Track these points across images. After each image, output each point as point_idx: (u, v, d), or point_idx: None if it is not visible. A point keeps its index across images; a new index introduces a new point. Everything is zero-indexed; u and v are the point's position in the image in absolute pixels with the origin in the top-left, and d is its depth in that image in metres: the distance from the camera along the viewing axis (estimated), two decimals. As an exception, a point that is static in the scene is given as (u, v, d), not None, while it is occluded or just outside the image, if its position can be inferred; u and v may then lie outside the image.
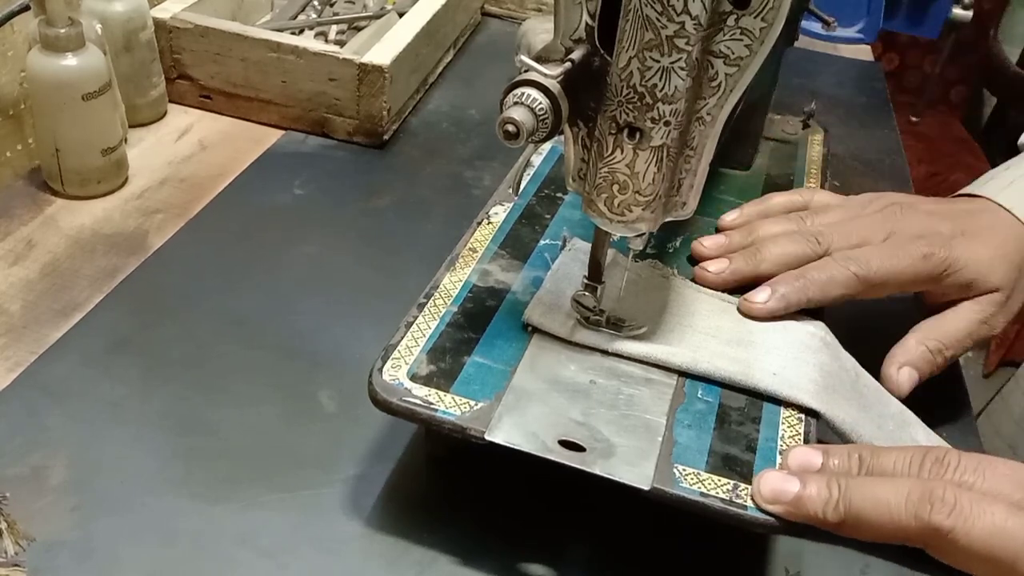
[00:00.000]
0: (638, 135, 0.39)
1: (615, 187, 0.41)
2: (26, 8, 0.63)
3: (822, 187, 0.64)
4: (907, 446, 0.41)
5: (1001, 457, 0.39)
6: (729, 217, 0.57)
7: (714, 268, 0.52)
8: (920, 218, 0.53)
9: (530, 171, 0.60)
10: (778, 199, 0.58)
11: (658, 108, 0.38)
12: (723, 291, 0.51)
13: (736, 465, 0.41)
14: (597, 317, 0.47)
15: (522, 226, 0.55)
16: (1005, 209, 0.55)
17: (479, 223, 0.55)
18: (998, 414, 0.80)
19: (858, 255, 0.51)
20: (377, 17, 0.86)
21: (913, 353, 0.51)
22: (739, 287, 0.51)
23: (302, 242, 0.63)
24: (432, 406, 0.42)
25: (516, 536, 0.45)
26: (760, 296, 0.50)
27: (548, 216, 0.56)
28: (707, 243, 0.54)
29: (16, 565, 0.41)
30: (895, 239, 0.52)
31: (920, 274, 0.51)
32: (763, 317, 0.49)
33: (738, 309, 0.50)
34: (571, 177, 0.43)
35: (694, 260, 0.54)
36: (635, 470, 0.40)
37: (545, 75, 0.38)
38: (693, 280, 0.52)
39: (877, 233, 0.52)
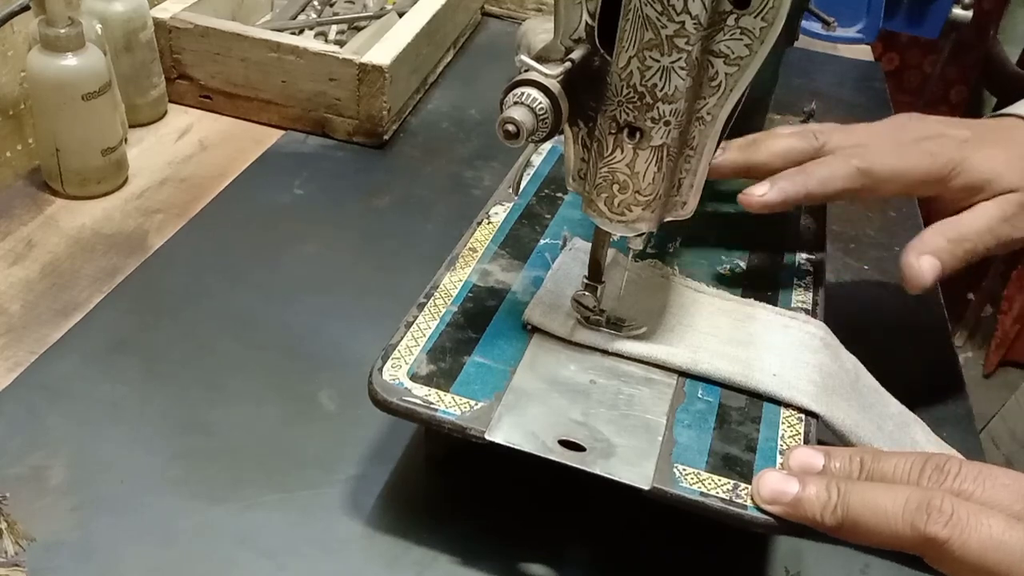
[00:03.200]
0: (638, 135, 0.39)
1: (615, 187, 0.41)
2: (26, 8, 0.63)
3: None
4: (910, 452, 0.41)
5: (1014, 460, 0.39)
6: (738, 141, 0.55)
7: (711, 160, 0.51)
8: (931, 124, 0.51)
9: (530, 171, 0.60)
10: (787, 129, 0.56)
11: (658, 108, 0.38)
12: (718, 177, 0.51)
13: (736, 465, 0.41)
14: (597, 317, 0.47)
15: (522, 226, 0.55)
16: None
17: (479, 223, 0.55)
18: (1013, 417, 0.79)
19: (861, 151, 0.49)
20: (377, 17, 0.86)
21: (931, 243, 0.47)
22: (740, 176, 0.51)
23: (302, 242, 0.63)
24: (432, 406, 0.42)
25: (516, 536, 0.45)
26: (759, 189, 0.49)
27: (548, 216, 0.56)
28: None
29: (16, 565, 0.41)
30: (900, 139, 0.50)
31: (926, 173, 0.48)
32: (761, 210, 0.48)
33: (737, 200, 0.49)
34: (571, 177, 0.43)
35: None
36: (635, 470, 0.40)
37: (545, 75, 0.38)
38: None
39: (882, 135, 0.50)
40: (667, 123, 0.39)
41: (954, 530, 0.35)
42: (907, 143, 0.49)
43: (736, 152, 0.51)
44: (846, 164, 0.48)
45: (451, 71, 0.89)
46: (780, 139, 0.51)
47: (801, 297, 0.52)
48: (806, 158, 0.50)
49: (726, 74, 0.38)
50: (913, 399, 0.50)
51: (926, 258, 0.47)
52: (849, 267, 0.66)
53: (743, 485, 0.40)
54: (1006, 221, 0.49)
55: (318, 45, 0.73)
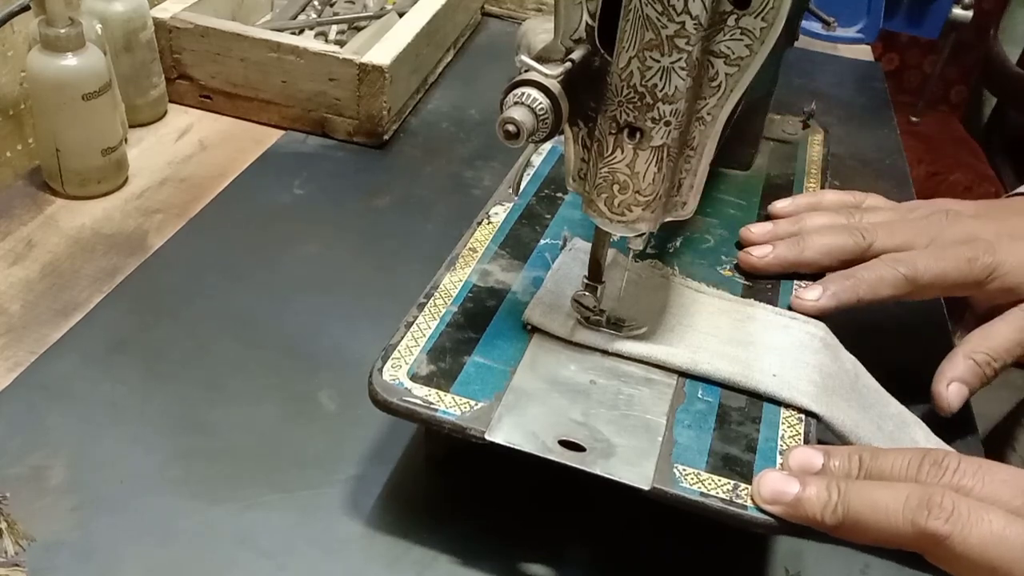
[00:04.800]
0: (638, 135, 0.39)
1: (615, 187, 0.41)
2: (26, 8, 0.63)
3: (822, 187, 0.64)
4: (907, 448, 0.41)
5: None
6: (780, 204, 0.58)
7: (758, 253, 0.53)
8: (965, 223, 0.54)
9: (530, 171, 0.60)
10: (831, 196, 0.59)
11: (658, 108, 0.38)
12: (767, 276, 0.53)
13: (736, 465, 0.41)
14: (597, 317, 0.47)
15: (522, 226, 0.55)
16: None
17: (479, 223, 0.55)
18: None
19: (905, 257, 0.51)
20: (377, 17, 0.86)
21: (961, 368, 0.51)
22: (783, 274, 0.53)
23: (302, 242, 0.63)
24: (432, 406, 0.42)
25: (516, 536, 0.45)
26: (812, 294, 0.50)
27: (548, 216, 0.56)
28: (755, 229, 0.55)
29: (16, 565, 0.41)
30: (939, 243, 0.52)
31: (965, 278, 0.51)
32: (814, 314, 0.50)
33: (789, 306, 0.51)
34: (571, 177, 0.43)
35: (740, 246, 0.55)
36: (635, 470, 0.40)
37: (545, 75, 0.38)
38: (737, 265, 0.54)
39: (921, 237, 0.53)
40: (667, 123, 0.39)
41: (955, 526, 0.35)
42: (947, 246, 0.52)
43: (785, 250, 0.52)
44: (894, 272, 0.50)
45: (451, 71, 0.89)
46: (826, 236, 0.53)
47: (801, 297, 0.52)
48: (854, 258, 0.52)
49: (726, 74, 0.38)
50: (913, 399, 0.50)
51: (954, 386, 0.50)
52: (849, 267, 0.66)
53: (743, 485, 0.40)
54: None
55: (318, 45, 0.73)
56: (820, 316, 0.50)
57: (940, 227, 0.53)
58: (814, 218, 0.55)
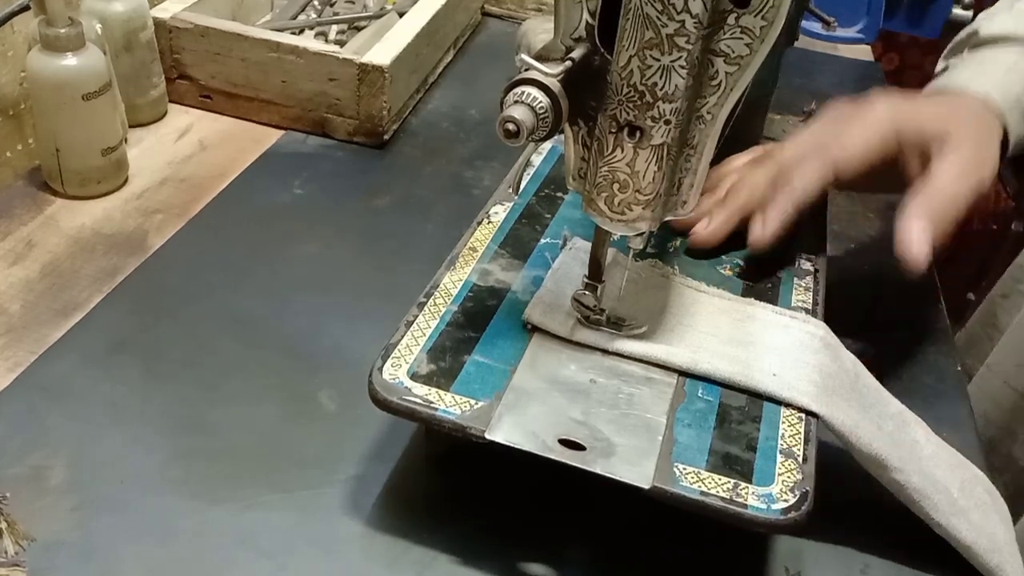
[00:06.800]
0: (638, 134, 0.39)
1: (615, 186, 0.41)
2: (26, 8, 0.63)
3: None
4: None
5: None
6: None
7: (701, 227, 0.54)
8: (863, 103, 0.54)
9: (530, 170, 0.60)
10: (736, 160, 0.59)
11: (658, 107, 0.38)
12: (721, 241, 0.53)
13: (736, 464, 0.41)
14: (597, 316, 0.47)
15: (522, 225, 0.55)
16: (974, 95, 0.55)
17: (479, 223, 0.55)
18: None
19: (818, 147, 0.52)
20: (377, 17, 0.86)
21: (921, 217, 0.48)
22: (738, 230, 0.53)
23: (302, 242, 0.63)
24: (432, 405, 0.42)
25: (516, 536, 0.45)
26: (756, 230, 0.52)
27: (548, 215, 0.56)
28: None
29: (16, 565, 0.41)
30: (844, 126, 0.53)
31: (880, 136, 0.51)
32: (769, 242, 0.51)
33: (747, 245, 0.52)
34: (571, 176, 0.43)
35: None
36: (635, 469, 0.40)
37: (545, 74, 0.38)
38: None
39: (827, 132, 0.54)
40: (667, 122, 0.39)
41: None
42: (851, 123, 0.52)
43: (729, 214, 0.53)
44: (813, 166, 0.51)
45: (451, 71, 0.89)
46: (746, 177, 0.54)
47: (801, 297, 0.52)
48: (774, 180, 0.53)
49: (726, 73, 0.38)
50: (913, 399, 0.50)
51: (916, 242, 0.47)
52: (849, 267, 0.66)
53: (743, 484, 0.40)
54: (964, 176, 0.49)
55: (318, 45, 0.73)
56: (777, 238, 0.51)
57: (843, 118, 0.54)
58: (731, 174, 0.57)
